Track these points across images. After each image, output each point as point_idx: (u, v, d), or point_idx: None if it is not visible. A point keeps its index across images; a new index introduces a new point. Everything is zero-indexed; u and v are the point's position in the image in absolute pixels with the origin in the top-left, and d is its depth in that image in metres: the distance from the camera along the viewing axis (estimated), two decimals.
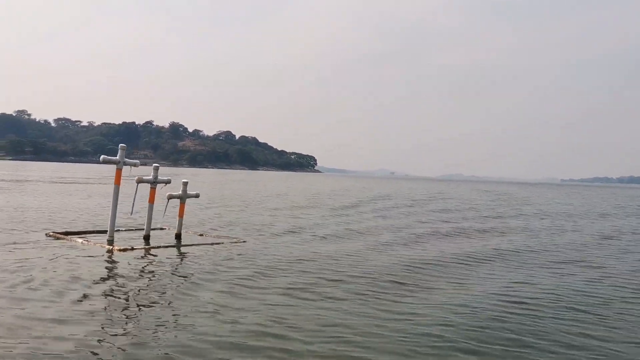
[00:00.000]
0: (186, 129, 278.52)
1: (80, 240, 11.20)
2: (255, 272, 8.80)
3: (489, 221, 21.39)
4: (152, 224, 12.21)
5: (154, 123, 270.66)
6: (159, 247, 11.00)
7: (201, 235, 13.16)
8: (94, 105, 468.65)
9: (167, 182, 12.13)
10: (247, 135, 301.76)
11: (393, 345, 5.39)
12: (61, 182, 38.95)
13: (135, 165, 11.51)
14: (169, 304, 6.69)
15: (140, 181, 11.53)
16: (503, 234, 16.78)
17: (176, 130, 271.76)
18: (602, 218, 26.04)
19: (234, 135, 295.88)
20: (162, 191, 12.01)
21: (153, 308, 6.45)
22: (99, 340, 5.16)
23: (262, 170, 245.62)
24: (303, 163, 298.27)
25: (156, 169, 11.99)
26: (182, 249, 11.03)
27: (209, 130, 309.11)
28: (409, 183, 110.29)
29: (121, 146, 11.39)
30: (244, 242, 12.33)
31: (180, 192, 12.28)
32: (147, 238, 11.93)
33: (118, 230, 12.54)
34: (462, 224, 19.35)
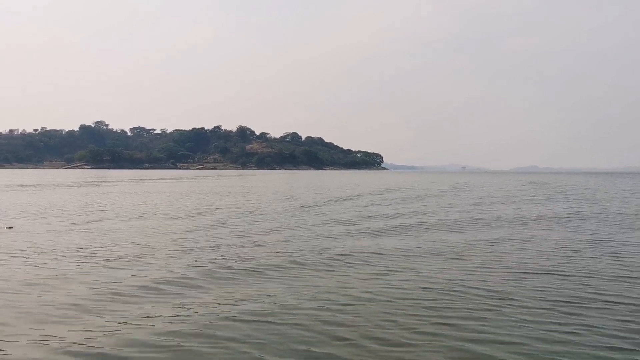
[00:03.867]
0: (253, 132, 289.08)
1: None
2: None
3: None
4: None
5: (222, 127, 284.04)
6: None
7: None
8: (166, 111, 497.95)
9: None
10: (313, 135, 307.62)
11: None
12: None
13: None
14: None
15: None
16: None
17: (244, 133, 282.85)
18: None
19: (300, 137, 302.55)
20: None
21: None
22: None
23: (328, 169, 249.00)
24: (369, 161, 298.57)
25: None
26: None
27: (276, 133, 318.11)
28: (456, 177, 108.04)
29: None
30: (10, 227, 14.68)
31: None
32: None
33: None
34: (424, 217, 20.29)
